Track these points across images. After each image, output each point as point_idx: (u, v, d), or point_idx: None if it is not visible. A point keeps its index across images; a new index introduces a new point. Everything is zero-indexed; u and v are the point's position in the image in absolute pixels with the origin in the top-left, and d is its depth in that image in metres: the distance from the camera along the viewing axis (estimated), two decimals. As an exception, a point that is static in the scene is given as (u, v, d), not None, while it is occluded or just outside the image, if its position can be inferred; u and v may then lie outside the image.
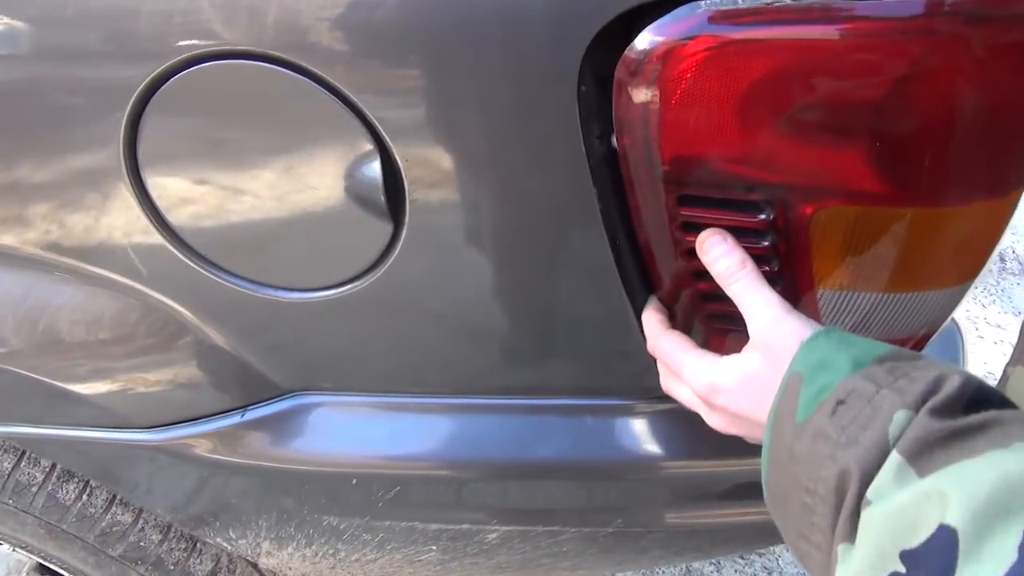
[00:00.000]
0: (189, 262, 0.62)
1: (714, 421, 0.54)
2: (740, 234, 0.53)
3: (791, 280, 0.54)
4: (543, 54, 0.50)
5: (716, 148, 0.50)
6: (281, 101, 0.53)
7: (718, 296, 0.56)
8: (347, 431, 0.71)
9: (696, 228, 0.53)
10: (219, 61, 0.52)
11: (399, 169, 0.54)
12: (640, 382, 0.66)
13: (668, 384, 0.59)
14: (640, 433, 0.70)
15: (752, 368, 0.50)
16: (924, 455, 0.38)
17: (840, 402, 0.42)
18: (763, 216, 0.51)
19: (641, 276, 0.59)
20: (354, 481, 0.72)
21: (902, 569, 0.34)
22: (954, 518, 0.33)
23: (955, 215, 0.53)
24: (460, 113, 0.52)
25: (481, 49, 0.50)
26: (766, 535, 0.81)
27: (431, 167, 0.55)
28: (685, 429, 0.70)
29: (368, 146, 0.54)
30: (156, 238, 0.61)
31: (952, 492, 0.34)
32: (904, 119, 0.47)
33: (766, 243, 0.52)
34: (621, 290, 0.60)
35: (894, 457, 0.38)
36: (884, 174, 0.50)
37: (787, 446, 0.44)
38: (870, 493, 0.38)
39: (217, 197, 0.58)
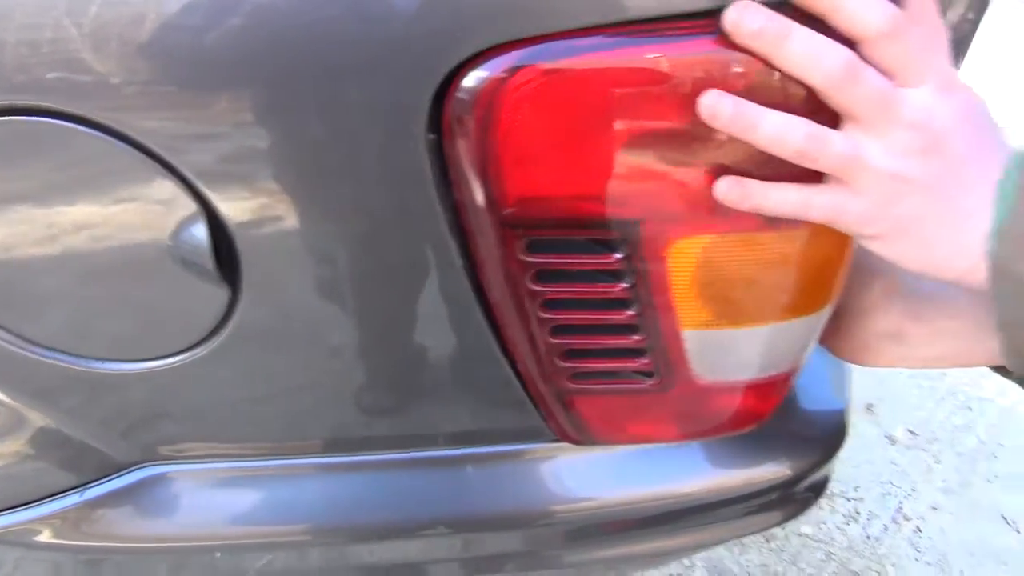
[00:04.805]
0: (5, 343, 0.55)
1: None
2: (597, 278, 0.50)
3: (654, 324, 0.52)
4: (382, 100, 0.46)
5: (558, 184, 0.47)
6: (86, 162, 0.47)
7: (585, 351, 0.54)
8: (205, 500, 0.65)
9: (549, 277, 0.50)
10: (15, 117, 0.46)
11: (230, 231, 0.49)
12: (519, 426, 0.63)
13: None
14: (524, 478, 0.67)
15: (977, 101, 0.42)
16: None
17: None
18: (618, 255, 0.49)
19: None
20: (217, 554, 0.67)
21: None
22: None
23: (801, 236, 0.51)
24: (296, 166, 0.48)
25: (312, 96, 0.46)
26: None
27: (268, 226, 0.50)
28: (569, 469, 0.68)
29: (191, 207, 0.48)
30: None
31: None
32: (733, 141, 0.45)
33: (625, 285, 0.50)
34: (491, 337, 0.56)
35: None
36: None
37: None
38: None
39: (27, 274, 0.51)
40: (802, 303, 0.54)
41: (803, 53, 0.40)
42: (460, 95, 0.45)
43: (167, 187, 0.47)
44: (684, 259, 0.50)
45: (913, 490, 1.72)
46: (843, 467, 1.77)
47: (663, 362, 0.54)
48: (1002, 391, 1.93)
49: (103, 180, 0.48)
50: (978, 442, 1.82)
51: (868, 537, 1.63)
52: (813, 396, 0.72)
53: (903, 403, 1.91)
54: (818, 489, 0.73)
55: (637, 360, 0.55)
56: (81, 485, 0.64)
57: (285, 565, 0.68)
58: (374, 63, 0.44)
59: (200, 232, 0.49)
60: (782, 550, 1.61)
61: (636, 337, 0.53)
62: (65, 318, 0.54)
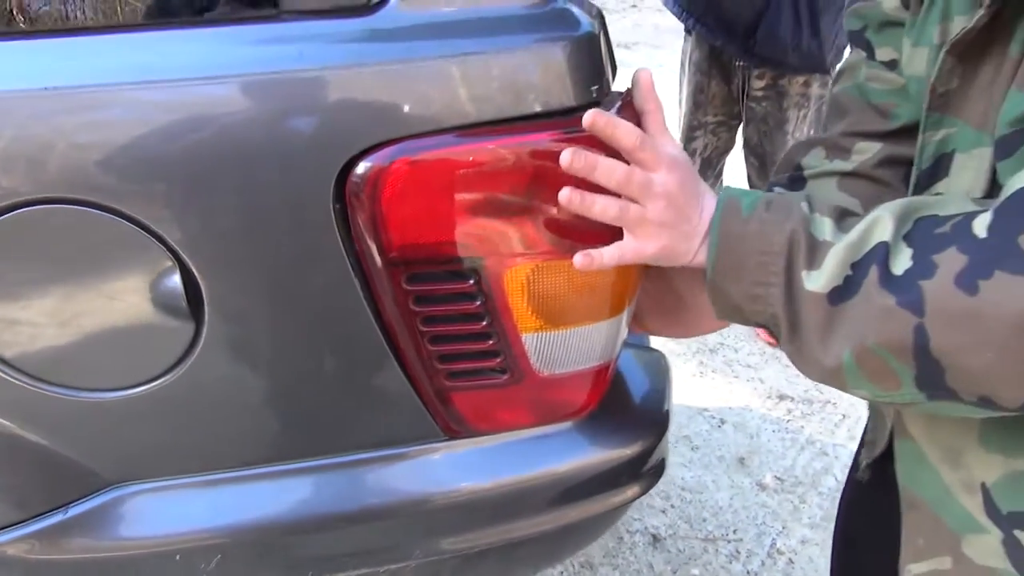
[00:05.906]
0: (11, 379, 0.72)
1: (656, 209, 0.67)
2: (458, 299, 0.73)
3: (502, 330, 0.75)
4: (301, 183, 0.69)
5: (426, 235, 0.70)
6: (91, 236, 0.68)
7: (458, 355, 0.76)
8: (166, 512, 0.82)
9: (425, 300, 0.73)
10: (38, 207, 0.66)
11: (196, 279, 0.70)
12: (427, 431, 0.83)
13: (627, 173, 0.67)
14: (436, 468, 0.86)
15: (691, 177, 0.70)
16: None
17: (768, 203, 0.66)
18: (471, 282, 0.72)
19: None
20: (177, 557, 0.82)
21: (851, 272, 0.59)
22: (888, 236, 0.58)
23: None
24: (242, 229, 0.69)
25: (253, 180, 0.68)
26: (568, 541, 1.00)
27: (223, 276, 0.71)
28: (472, 461, 0.87)
29: (168, 263, 0.69)
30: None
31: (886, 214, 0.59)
32: (535, 201, 0.70)
33: (478, 303, 0.73)
34: (394, 362, 0.77)
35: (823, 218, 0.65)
36: (540, 237, 0.72)
37: (739, 230, 0.65)
38: (815, 231, 0.63)
39: (38, 325, 0.70)
40: (606, 309, 0.78)
41: (605, 171, 0.67)
42: (354, 179, 0.68)
43: (156, 249, 0.68)
44: (516, 281, 0.73)
45: (784, 528, 1.95)
46: (723, 514, 1.99)
47: (512, 360, 0.77)
48: (852, 437, 2.22)
49: (107, 252, 0.68)
50: (836, 482, 2.08)
51: (748, 572, 1.84)
52: (642, 396, 0.96)
53: (770, 454, 2.17)
54: (658, 470, 0.95)
55: (493, 360, 0.77)
56: (64, 505, 0.80)
57: (231, 562, 0.84)
58: (296, 159, 0.68)
59: (176, 282, 0.69)
60: (675, 591, 1.80)
61: (490, 342, 0.76)
62: (68, 359, 0.73)
